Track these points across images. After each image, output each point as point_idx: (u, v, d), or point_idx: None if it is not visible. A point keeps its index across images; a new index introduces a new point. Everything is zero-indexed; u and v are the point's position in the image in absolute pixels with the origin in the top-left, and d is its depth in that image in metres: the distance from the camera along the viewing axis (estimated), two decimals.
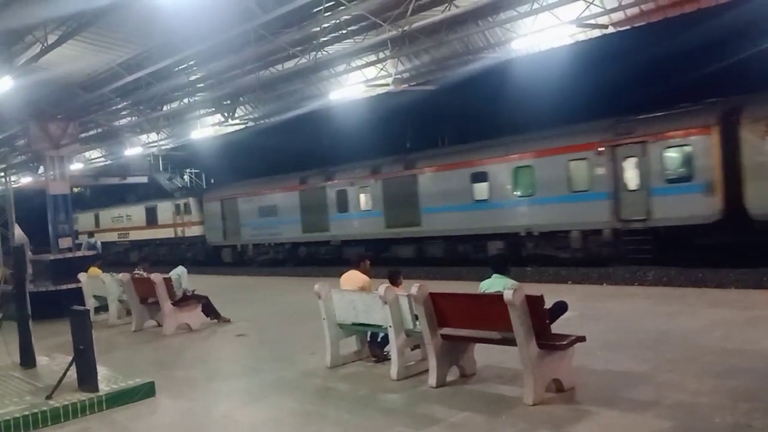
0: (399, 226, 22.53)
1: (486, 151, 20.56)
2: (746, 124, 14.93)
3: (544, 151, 18.72)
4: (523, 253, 19.21)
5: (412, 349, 7.48)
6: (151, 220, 36.95)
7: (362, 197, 24.08)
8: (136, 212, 38.03)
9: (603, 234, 17.45)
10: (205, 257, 31.70)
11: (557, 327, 6.45)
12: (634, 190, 16.78)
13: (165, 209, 35.82)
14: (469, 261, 20.01)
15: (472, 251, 20.56)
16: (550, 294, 6.73)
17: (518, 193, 19.41)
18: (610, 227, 17.25)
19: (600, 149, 17.30)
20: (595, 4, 14.63)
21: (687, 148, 16.00)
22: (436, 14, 15.32)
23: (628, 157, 16.90)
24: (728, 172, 15.20)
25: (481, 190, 20.27)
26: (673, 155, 16.36)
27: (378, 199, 23.34)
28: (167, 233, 35.50)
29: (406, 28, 15.41)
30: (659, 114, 17.19)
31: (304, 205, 26.25)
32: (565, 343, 6.18)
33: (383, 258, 20.99)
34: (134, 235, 38.14)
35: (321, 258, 25.81)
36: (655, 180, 16.35)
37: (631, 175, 16.90)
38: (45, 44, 13.81)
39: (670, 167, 16.37)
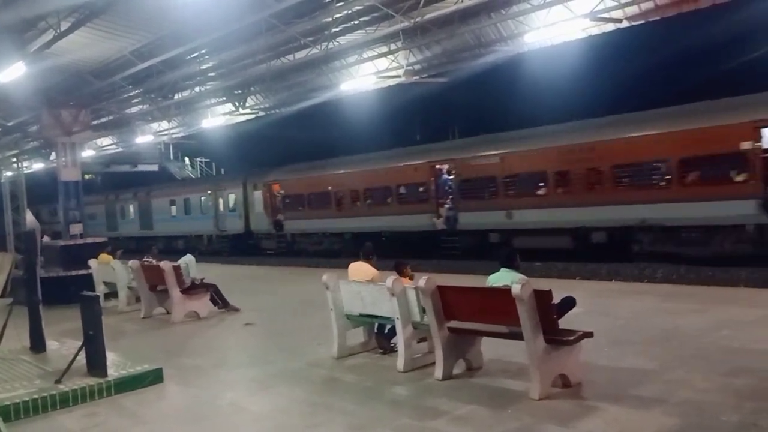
0: (144, 229, 37.81)
1: (174, 189, 36.54)
2: (248, 184, 30.11)
3: (193, 191, 34.70)
4: (180, 246, 32.39)
5: (419, 342, 7.49)
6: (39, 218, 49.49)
7: (130, 210, 39.58)
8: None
9: (213, 237, 32.57)
10: None
11: (565, 322, 6.44)
12: (223, 213, 31.72)
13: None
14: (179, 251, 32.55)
15: (175, 245, 33.46)
16: (559, 289, 6.71)
17: (185, 213, 34.33)
18: (215, 234, 32.41)
19: (209, 192, 32.77)
20: None
21: (234, 195, 31.04)
22: (449, 6, 15.24)
23: (219, 197, 32.01)
24: (246, 208, 30.14)
25: (173, 210, 35.36)
26: (230, 197, 31.35)
27: (136, 212, 38.98)
28: None
29: (418, 19, 15.33)
30: (229, 175, 35.14)
31: (107, 213, 41.74)
32: (572, 338, 6.17)
33: (140, 248, 31.12)
34: None
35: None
36: (226, 209, 31.59)
37: (221, 206, 31.79)
38: (58, 31, 13.82)
39: (229, 203, 31.40)
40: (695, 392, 5.90)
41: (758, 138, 14.49)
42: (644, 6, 15.00)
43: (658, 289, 12.12)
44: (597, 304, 10.00)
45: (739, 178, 14.69)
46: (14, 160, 33.18)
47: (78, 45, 15.44)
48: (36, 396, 6.73)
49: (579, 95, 29.54)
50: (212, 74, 21.58)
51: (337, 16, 15.51)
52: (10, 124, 25.37)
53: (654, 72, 30.21)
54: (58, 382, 7.09)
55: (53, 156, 27.18)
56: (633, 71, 30.14)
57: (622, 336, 8.06)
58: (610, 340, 7.67)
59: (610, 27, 15.93)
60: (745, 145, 14.42)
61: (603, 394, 5.98)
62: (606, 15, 15.12)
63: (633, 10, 15.15)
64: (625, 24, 15.68)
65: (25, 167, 34.85)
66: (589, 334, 6.29)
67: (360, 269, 8.46)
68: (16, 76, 14.83)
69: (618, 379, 6.43)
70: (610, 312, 9.58)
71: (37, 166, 36.95)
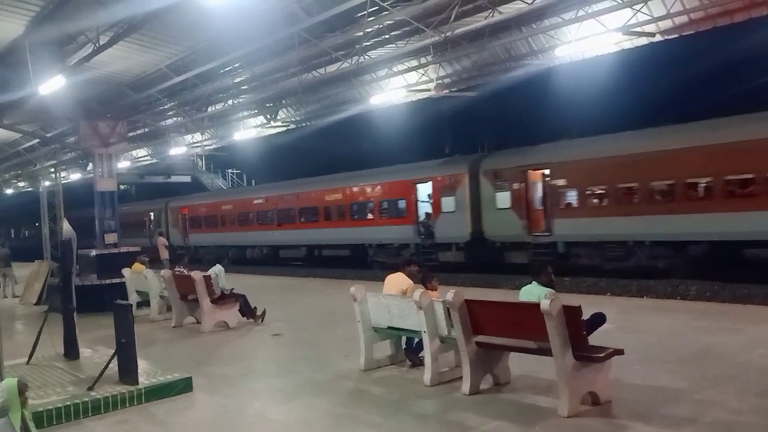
0: None
1: None
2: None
3: None
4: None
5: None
6: None
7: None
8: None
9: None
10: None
11: (595, 339, 6.37)
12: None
13: None
14: None
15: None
16: (589, 305, 6.64)
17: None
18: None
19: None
20: (642, 12, 14.38)
21: None
22: (479, 20, 15.25)
23: None
24: None
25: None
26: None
27: None
28: None
29: (448, 33, 15.37)
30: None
31: None
32: (602, 355, 6.09)
33: None
34: None
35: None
36: None
37: None
38: (97, 45, 14.19)
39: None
40: (728, 413, 5.77)
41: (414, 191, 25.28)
42: (678, 20, 14.82)
43: (690, 307, 11.90)
44: (628, 320, 9.86)
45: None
46: (52, 170, 34.05)
47: (116, 58, 15.83)
48: (69, 402, 6.87)
49: (611, 109, 29.28)
50: (245, 87, 21.88)
51: (368, 30, 15.63)
52: (49, 135, 26.06)
53: (688, 86, 29.79)
54: (90, 389, 7.23)
55: (90, 167, 27.80)
56: (666, 85, 29.78)
57: (653, 354, 7.93)
58: (640, 357, 7.55)
59: (643, 41, 15.76)
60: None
61: (633, 413, 5.89)
62: (639, 29, 14.98)
63: (667, 24, 14.99)
64: (658, 38, 15.51)
65: (63, 177, 35.73)
66: (620, 352, 6.21)
67: (395, 280, 8.32)
68: (56, 89, 15.24)
69: (649, 397, 6.33)
70: (641, 329, 9.43)
71: (75, 176, 37.84)
